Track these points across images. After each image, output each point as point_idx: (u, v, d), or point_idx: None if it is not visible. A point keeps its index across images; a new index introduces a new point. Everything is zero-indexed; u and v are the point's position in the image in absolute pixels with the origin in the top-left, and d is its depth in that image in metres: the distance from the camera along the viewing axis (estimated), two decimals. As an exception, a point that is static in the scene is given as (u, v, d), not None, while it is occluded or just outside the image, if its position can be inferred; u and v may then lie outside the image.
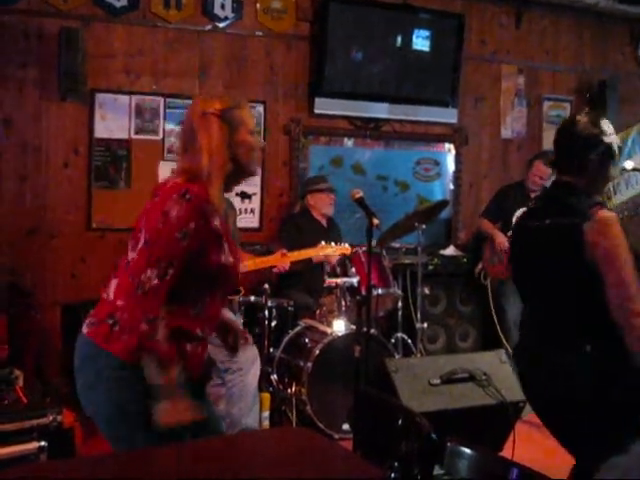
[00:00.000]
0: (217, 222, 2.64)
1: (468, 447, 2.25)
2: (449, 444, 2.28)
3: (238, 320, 5.09)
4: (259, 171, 2.69)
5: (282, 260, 5.08)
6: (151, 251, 2.53)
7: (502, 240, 6.38)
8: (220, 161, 2.65)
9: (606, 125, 3.14)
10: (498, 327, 6.56)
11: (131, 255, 2.62)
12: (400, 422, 2.17)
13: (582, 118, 3.17)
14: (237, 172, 2.75)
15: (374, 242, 4.16)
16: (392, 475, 2.07)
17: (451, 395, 3.94)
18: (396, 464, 2.05)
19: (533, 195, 6.38)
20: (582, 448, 3.08)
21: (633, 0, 7.81)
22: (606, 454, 2.98)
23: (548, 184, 6.41)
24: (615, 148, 3.13)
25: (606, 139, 3.12)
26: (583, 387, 2.96)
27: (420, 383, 3.94)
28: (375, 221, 3.98)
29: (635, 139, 8.18)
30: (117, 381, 2.60)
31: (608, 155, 3.12)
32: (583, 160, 3.12)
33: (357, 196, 4.12)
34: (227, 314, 3.07)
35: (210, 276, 2.66)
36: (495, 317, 6.62)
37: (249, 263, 5.03)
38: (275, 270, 5.16)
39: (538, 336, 3.18)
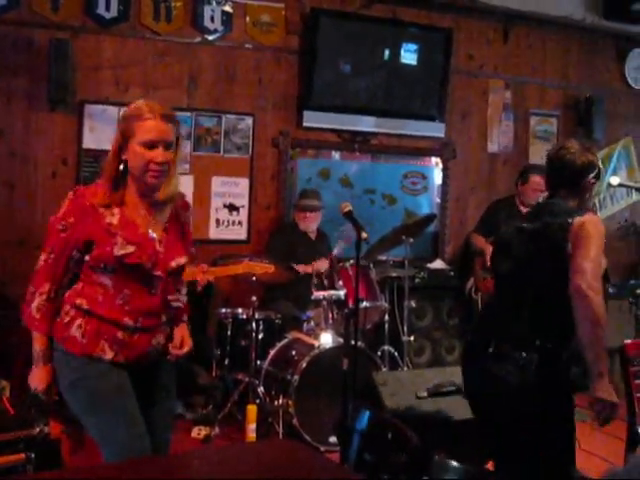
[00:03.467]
0: (113, 219, 2.89)
1: (454, 460, 2.26)
2: (436, 457, 2.29)
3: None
4: (156, 184, 2.89)
5: (202, 275, 4.94)
6: (45, 240, 2.95)
7: None
8: (109, 165, 2.92)
9: (594, 148, 3.32)
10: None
11: None
12: (390, 435, 2.18)
13: (574, 145, 3.36)
14: (134, 179, 2.94)
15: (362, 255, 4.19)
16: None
17: (438, 408, 3.96)
18: (386, 477, 2.07)
19: (524, 210, 6.42)
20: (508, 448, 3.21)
21: (619, 17, 7.88)
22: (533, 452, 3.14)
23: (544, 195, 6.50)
24: (602, 168, 3.33)
25: (598, 163, 3.34)
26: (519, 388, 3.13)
27: (407, 396, 3.96)
28: (363, 234, 4.01)
29: (620, 155, 8.24)
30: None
31: (599, 176, 3.36)
32: (579, 184, 3.32)
33: (346, 210, 4.15)
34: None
35: (112, 267, 2.89)
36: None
37: None
38: (199, 285, 4.98)
39: (491, 331, 3.33)
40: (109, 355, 2.90)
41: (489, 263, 6.32)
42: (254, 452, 2.85)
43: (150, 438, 2.95)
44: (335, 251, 6.16)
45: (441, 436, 3.81)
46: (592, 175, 3.32)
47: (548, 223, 3.26)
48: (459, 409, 3.98)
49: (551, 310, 3.18)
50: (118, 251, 2.88)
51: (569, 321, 3.08)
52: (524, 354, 3.15)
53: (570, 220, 3.15)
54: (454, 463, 2.23)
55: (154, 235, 2.99)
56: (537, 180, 6.42)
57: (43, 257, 2.93)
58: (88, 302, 2.91)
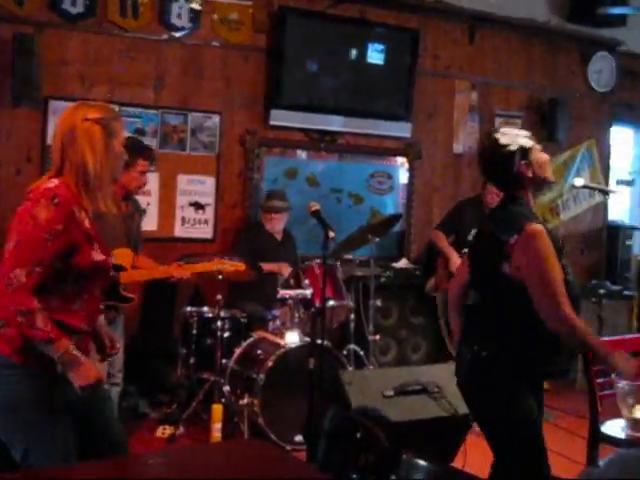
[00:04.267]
0: (87, 223, 2.84)
1: (423, 459, 2.28)
2: (404, 456, 2.31)
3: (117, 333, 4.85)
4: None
5: (179, 270, 4.97)
6: (20, 252, 2.71)
7: (456, 263, 6.43)
8: (106, 165, 2.86)
9: (504, 137, 3.28)
10: (447, 339, 6.63)
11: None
12: (358, 435, 2.19)
13: (492, 135, 3.35)
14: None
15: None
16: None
17: (404, 407, 3.98)
18: (354, 477, 2.07)
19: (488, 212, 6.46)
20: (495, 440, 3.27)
21: (583, 20, 7.97)
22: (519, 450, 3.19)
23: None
24: (528, 146, 3.26)
25: (513, 148, 3.25)
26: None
27: (373, 395, 3.97)
28: (331, 234, 4.03)
29: (584, 156, 8.33)
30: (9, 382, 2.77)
31: (524, 156, 3.26)
32: (509, 173, 3.27)
33: (314, 209, 4.16)
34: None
35: (85, 273, 2.84)
36: (445, 329, 6.69)
37: (143, 272, 4.91)
38: (172, 279, 5.02)
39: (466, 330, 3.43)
40: (58, 368, 2.77)
41: (452, 268, 6.42)
42: (222, 452, 2.84)
43: (107, 437, 2.97)
44: None
45: (407, 435, 3.82)
46: (519, 159, 3.24)
47: (489, 235, 3.31)
48: (425, 408, 4.01)
49: (510, 310, 3.21)
50: (97, 257, 2.85)
51: (528, 320, 3.13)
52: (484, 352, 3.19)
53: (508, 236, 3.16)
54: (423, 462, 2.24)
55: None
56: (494, 189, 6.46)
57: (25, 271, 2.68)
58: (46, 310, 2.75)
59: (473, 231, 6.29)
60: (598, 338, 3.19)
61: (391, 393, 3.99)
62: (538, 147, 3.33)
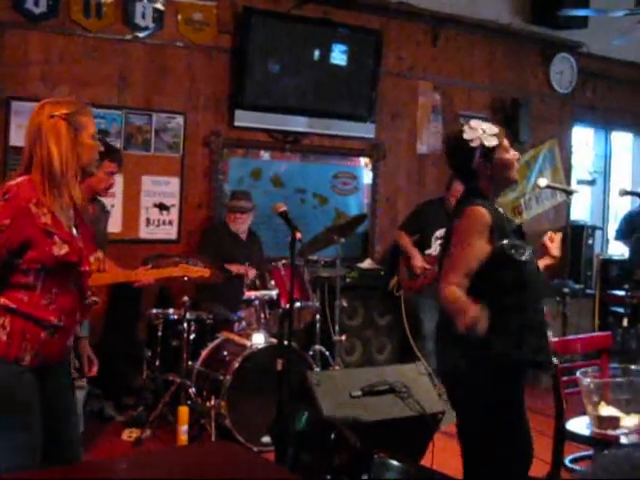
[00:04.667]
0: (46, 219, 2.83)
1: (395, 459, 2.29)
2: (376, 456, 2.32)
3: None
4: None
5: (145, 275, 4.92)
6: None
7: (418, 263, 6.48)
8: (72, 161, 2.89)
9: (469, 132, 3.28)
10: (411, 339, 6.67)
11: None
12: (330, 435, 2.19)
13: (457, 128, 3.40)
14: (78, 173, 2.96)
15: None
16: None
17: (372, 407, 3.98)
18: (328, 477, 2.08)
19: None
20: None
21: (545, 22, 8.06)
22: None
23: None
24: (491, 145, 3.25)
25: (474, 144, 3.26)
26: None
27: (341, 395, 3.96)
28: (298, 235, 4.02)
29: (545, 156, 8.42)
30: None
31: (485, 155, 3.27)
32: (468, 168, 3.30)
33: (280, 210, 4.15)
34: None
35: (48, 268, 2.84)
36: (408, 329, 6.73)
37: (107, 276, 4.85)
38: (137, 284, 4.97)
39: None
40: (27, 360, 2.83)
41: (414, 268, 6.46)
42: (191, 455, 2.83)
43: (63, 441, 2.97)
44: None
45: (376, 435, 3.83)
46: (478, 156, 3.25)
47: (449, 228, 3.36)
48: (393, 408, 4.00)
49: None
50: (58, 251, 2.85)
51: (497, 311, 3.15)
52: (452, 346, 3.22)
53: (456, 219, 3.24)
54: (394, 462, 2.25)
55: (74, 231, 2.99)
56: (458, 187, 6.47)
57: None
58: (13, 302, 2.82)
59: (438, 232, 6.38)
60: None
61: (359, 393, 3.98)
62: (506, 145, 3.33)
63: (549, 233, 3.62)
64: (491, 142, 3.26)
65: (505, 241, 3.18)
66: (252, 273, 5.87)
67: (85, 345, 3.35)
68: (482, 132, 3.27)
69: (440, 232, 6.48)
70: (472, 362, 3.19)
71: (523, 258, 3.19)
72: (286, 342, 4.22)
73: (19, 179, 2.86)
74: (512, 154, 3.34)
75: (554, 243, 3.56)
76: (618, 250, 9.18)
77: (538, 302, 3.31)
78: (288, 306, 5.37)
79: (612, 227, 9.36)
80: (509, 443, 3.28)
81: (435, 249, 6.50)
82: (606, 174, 9.53)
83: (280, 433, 3.61)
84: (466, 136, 3.27)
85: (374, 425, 3.89)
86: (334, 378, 4.14)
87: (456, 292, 3.10)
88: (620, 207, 9.55)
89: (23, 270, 2.83)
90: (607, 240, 9.46)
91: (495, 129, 3.31)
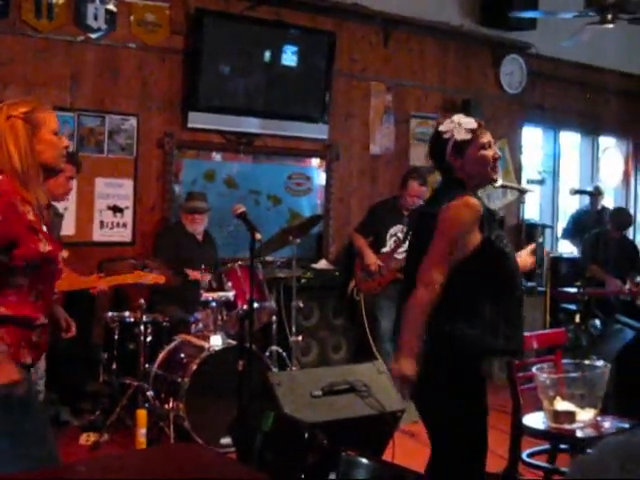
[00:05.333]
0: (31, 216, 2.83)
1: (363, 457, 2.31)
2: (344, 454, 2.34)
3: None
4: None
5: (99, 282, 4.89)
6: None
7: (372, 260, 6.53)
8: (31, 160, 2.85)
9: (445, 125, 3.32)
10: (370, 338, 6.71)
11: None
12: (307, 434, 2.21)
13: (439, 121, 3.43)
14: (45, 170, 2.95)
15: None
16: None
17: (333, 406, 4.02)
18: (302, 476, 2.09)
19: (406, 213, 6.57)
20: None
21: (495, 24, 8.17)
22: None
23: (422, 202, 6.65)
24: (462, 137, 3.27)
25: (446, 136, 3.29)
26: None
27: (302, 395, 3.99)
28: (257, 235, 4.03)
29: None
30: None
31: (457, 149, 3.29)
32: (440, 160, 3.34)
33: (239, 211, 4.16)
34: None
35: (34, 264, 2.84)
36: (368, 329, 6.77)
37: (64, 283, 4.80)
38: (93, 292, 4.96)
39: None
40: (28, 361, 2.85)
41: (367, 267, 6.50)
42: (157, 458, 2.81)
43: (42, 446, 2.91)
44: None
45: (336, 433, 3.86)
46: (450, 149, 3.27)
47: (424, 213, 3.40)
48: (354, 407, 4.05)
49: (447, 292, 3.20)
50: (44, 248, 2.84)
51: (461, 300, 3.20)
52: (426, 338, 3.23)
53: (437, 209, 3.22)
54: (363, 459, 2.28)
55: (44, 228, 2.97)
56: (415, 186, 6.56)
57: None
58: (8, 309, 2.79)
59: (392, 229, 6.42)
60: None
61: (319, 393, 4.02)
62: (482, 142, 3.30)
63: (531, 246, 3.79)
64: (463, 136, 3.26)
65: (494, 232, 3.23)
66: (207, 278, 5.83)
67: (59, 308, 3.36)
68: (457, 125, 3.28)
69: (394, 229, 6.55)
70: (434, 361, 3.21)
71: (507, 250, 3.25)
72: (248, 343, 4.23)
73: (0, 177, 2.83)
74: (489, 152, 3.31)
75: (532, 257, 3.67)
76: (567, 248, 9.36)
77: (515, 293, 3.34)
78: (246, 307, 5.43)
79: (561, 226, 9.53)
80: (473, 439, 3.32)
81: (390, 246, 6.57)
82: (555, 173, 9.69)
83: (242, 434, 3.61)
84: (441, 128, 3.31)
85: (335, 424, 3.92)
86: (294, 378, 4.17)
87: (426, 306, 3.12)
88: (569, 206, 9.73)
89: (9, 269, 2.80)
90: (557, 238, 9.62)
91: (473, 124, 3.30)
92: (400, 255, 6.21)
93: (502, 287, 3.27)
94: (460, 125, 3.29)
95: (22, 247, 2.80)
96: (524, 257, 3.62)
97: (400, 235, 6.53)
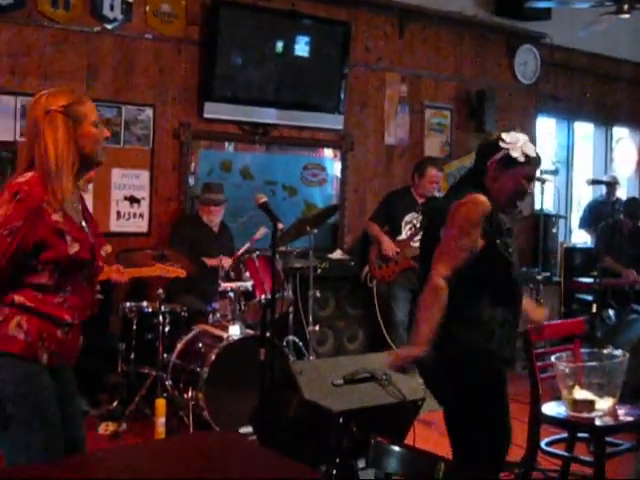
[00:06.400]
0: (57, 217, 2.77)
1: (392, 444, 2.33)
2: (373, 441, 2.35)
3: None
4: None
5: (118, 274, 4.92)
6: None
7: (388, 245, 6.56)
8: (67, 155, 2.79)
9: (509, 136, 3.30)
10: (383, 328, 6.73)
11: None
12: (340, 421, 2.22)
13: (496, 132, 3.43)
14: (84, 164, 2.90)
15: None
16: (333, 472, 2.13)
17: (354, 395, 4.02)
18: (337, 460, 2.11)
19: (420, 200, 6.60)
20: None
21: (510, 13, 8.16)
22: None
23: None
24: (515, 156, 3.27)
25: (503, 145, 3.29)
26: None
27: (324, 384, 4.00)
28: (280, 225, 4.04)
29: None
30: None
31: (505, 159, 3.28)
32: (484, 164, 3.33)
33: (261, 201, 4.16)
34: None
35: (62, 267, 2.79)
36: (381, 319, 6.79)
37: None
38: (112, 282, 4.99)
39: None
40: (44, 359, 2.80)
41: (385, 252, 6.53)
42: (194, 445, 2.81)
43: (71, 436, 2.91)
44: (241, 250, 6.14)
45: (357, 422, 3.87)
46: (498, 157, 3.27)
47: (437, 209, 3.42)
48: (374, 395, 4.05)
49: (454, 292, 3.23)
50: (72, 250, 2.80)
51: (467, 300, 3.22)
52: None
53: (450, 204, 3.25)
54: (392, 446, 2.29)
55: (84, 225, 2.93)
56: (433, 173, 6.61)
57: None
58: (29, 300, 2.77)
59: (407, 216, 6.45)
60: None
61: (341, 382, 4.03)
62: (525, 172, 3.29)
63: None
64: (517, 155, 3.25)
65: (500, 239, 3.24)
66: (227, 263, 5.86)
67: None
68: (518, 143, 3.27)
69: (409, 216, 6.58)
70: (450, 349, 3.23)
71: (510, 259, 3.27)
72: (269, 333, 4.25)
73: (27, 176, 2.78)
74: (525, 184, 3.31)
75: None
76: (581, 238, 9.35)
77: (514, 302, 3.37)
78: (264, 297, 5.46)
79: (575, 216, 9.51)
80: (491, 427, 3.33)
81: (406, 233, 6.59)
82: (569, 164, 9.67)
83: (263, 422, 3.63)
84: (504, 136, 3.29)
85: (356, 412, 3.93)
86: (316, 367, 4.19)
87: (443, 293, 3.14)
88: (583, 196, 9.71)
89: (37, 269, 2.78)
90: (570, 229, 9.60)
91: (532, 153, 3.28)
92: (416, 243, 6.23)
93: (501, 294, 3.29)
94: (519, 145, 3.27)
95: (51, 250, 2.77)
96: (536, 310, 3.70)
97: (416, 222, 6.56)
